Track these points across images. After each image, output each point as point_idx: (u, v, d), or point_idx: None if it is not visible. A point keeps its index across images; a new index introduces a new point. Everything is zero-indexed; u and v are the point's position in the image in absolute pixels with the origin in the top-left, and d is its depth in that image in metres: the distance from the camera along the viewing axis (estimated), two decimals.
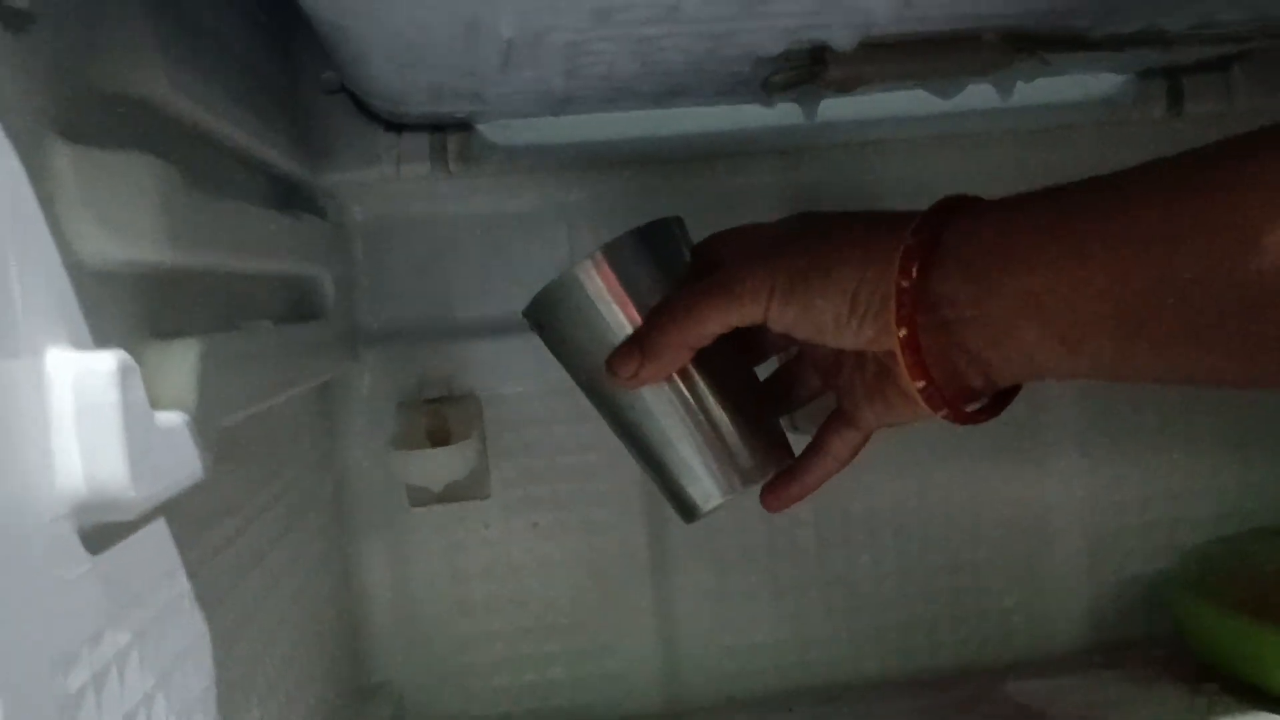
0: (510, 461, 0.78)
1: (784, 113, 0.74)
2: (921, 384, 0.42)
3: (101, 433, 0.30)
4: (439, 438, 0.74)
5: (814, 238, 0.45)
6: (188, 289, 0.43)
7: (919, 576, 0.82)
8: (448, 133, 0.71)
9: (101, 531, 0.31)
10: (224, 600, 0.45)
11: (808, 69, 0.56)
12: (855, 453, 0.50)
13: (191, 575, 0.40)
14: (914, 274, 0.40)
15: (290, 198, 0.65)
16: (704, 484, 0.49)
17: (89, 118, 0.35)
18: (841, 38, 0.52)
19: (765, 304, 0.43)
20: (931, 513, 0.82)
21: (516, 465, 0.78)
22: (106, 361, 0.30)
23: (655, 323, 0.46)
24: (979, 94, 0.71)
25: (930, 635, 0.82)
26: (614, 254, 0.47)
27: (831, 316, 0.42)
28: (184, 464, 0.36)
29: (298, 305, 0.65)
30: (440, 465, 0.68)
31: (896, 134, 0.78)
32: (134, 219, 0.35)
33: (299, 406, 0.68)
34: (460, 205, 0.76)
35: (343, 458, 0.76)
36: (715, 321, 0.45)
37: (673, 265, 0.49)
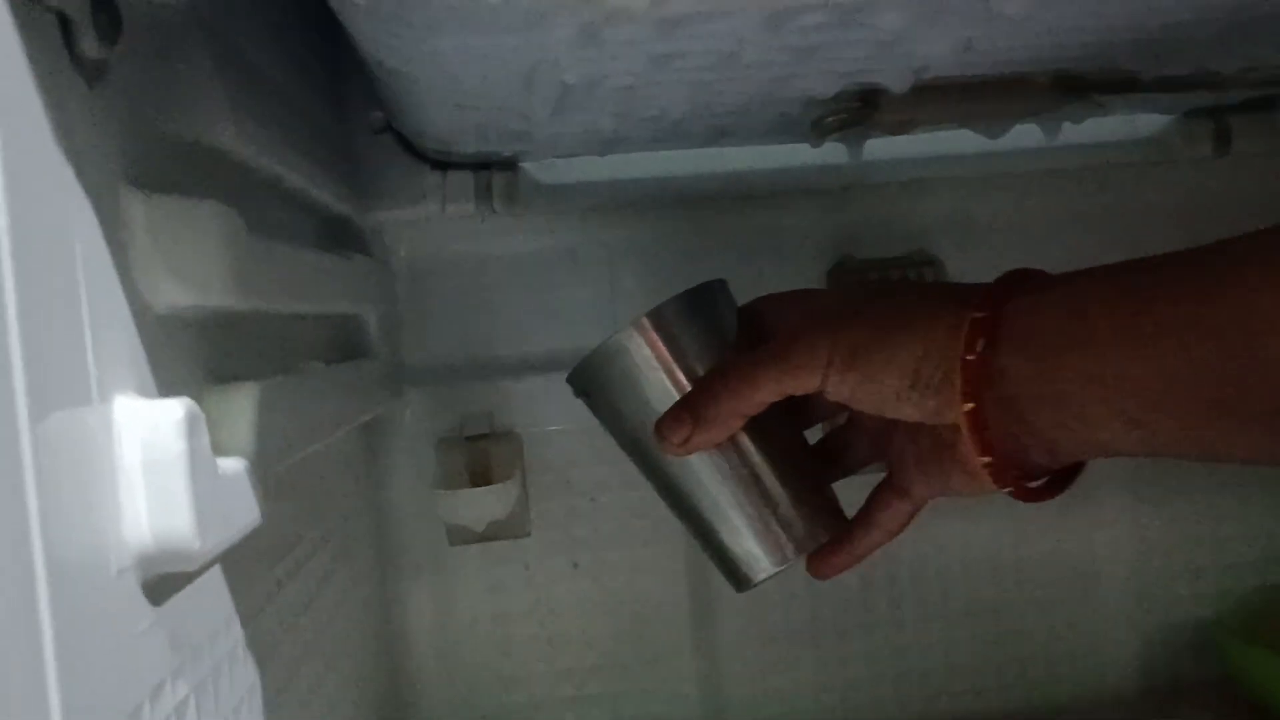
0: (551, 500, 0.78)
1: (828, 152, 0.74)
2: (987, 460, 0.41)
3: (168, 483, 0.30)
4: (480, 476, 0.74)
5: (874, 307, 0.44)
6: (245, 332, 0.43)
7: (964, 620, 0.81)
8: (493, 171, 0.71)
9: (164, 582, 0.31)
10: (277, 647, 0.45)
11: (859, 111, 0.56)
12: (906, 524, 0.50)
13: (246, 623, 0.39)
14: (979, 349, 0.40)
15: (339, 237, 0.65)
16: (756, 554, 0.48)
17: (157, 166, 0.35)
18: (895, 81, 0.52)
19: (824, 374, 0.43)
20: (977, 555, 0.80)
21: (557, 504, 0.78)
22: (174, 411, 0.30)
23: (708, 389, 0.45)
24: (1025, 134, 0.71)
25: (975, 680, 0.81)
26: (660, 319, 0.47)
27: (893, 388, 0.42)
28: (245, 511, 0.35)
29: (344, 344, 0.65)
30: (482, 505, 0.68)
31: (941, 173, 0.78)
32: (203, 266, 0.35)
33: (343, 444, 0.68)
34: (503, 243, 0.76)
35: (384, 495, 0.76)
36: (771, 390, 0.44)
37: (720, 329, 0.48)
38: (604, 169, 0.74)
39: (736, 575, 0.49)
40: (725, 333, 0.48)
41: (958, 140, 0.71)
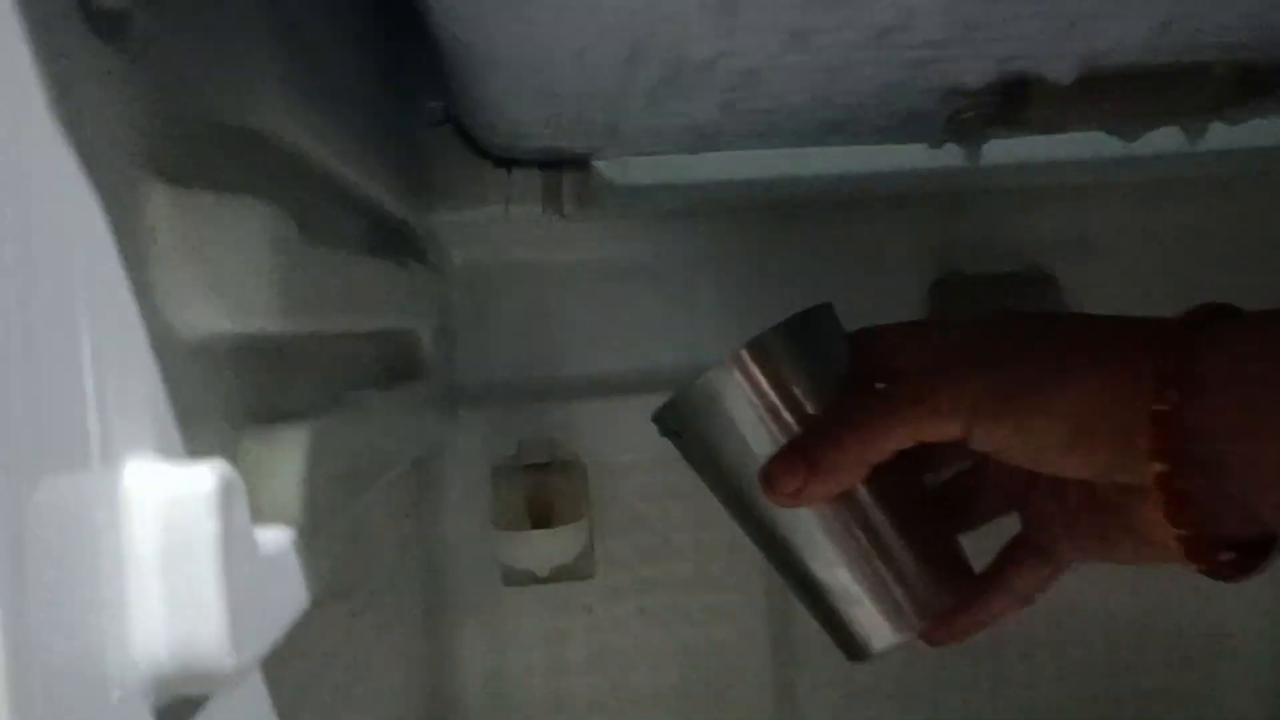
0: (617, 538, 0.70)
1: (936, 155, 0.66)
2: (1182, 533, 0.35)
3: (194, 578, 0.22)
4: (541, 510, 0.66)
5: (1028, 345, 0.39)
6: (290, 359, 0.36)
7: (1073, 684, 0.73)
8: (564, 170, 0.64)
9: (181, 707, 0.23)
10: (310, 702, 0.37)
11: (1005, 105, 0.48)
12: (1044, 589, 0.44)
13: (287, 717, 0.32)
14: (1172, 399, 0.34)
15: (392, 242, 0.57)
16: (876, 621, 0.43)
17: (190, 153, 0.27)
18: (1059, 70, 0.44)
19: (968, 421, 0.38)
20: (1091, 616, 0.72)
21: (624, 543, 0.70)
22: (204, 480, 0.22)
23: (827, 433, 0.40)
24: (1162, 137, 0.62)
25: None
26: (763, 350, 0.41)
27: (1055, 440, 0.37)
28: (291, 598, 0.28)
29: (395, 363, 0.57)
30: (547, 549, 0.60)
31: (1060, 180, 0.69)
32: (247, 281, 0.27)
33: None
34: (570, 251, 0.69)
35: (433, 529, 0.69)
36: (904, 436, 0.39)
37: (831, 362, 0.43)
38: (684, 169, 0.66)
39: (851, 644, 0.44)
40: (837, 367, 0.43)
41: (1081, 143, 0.63)
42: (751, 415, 0.41)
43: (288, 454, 0.30)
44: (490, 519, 0.65)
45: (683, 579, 0.70)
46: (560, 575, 0.67)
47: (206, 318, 0.26)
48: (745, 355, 0.41)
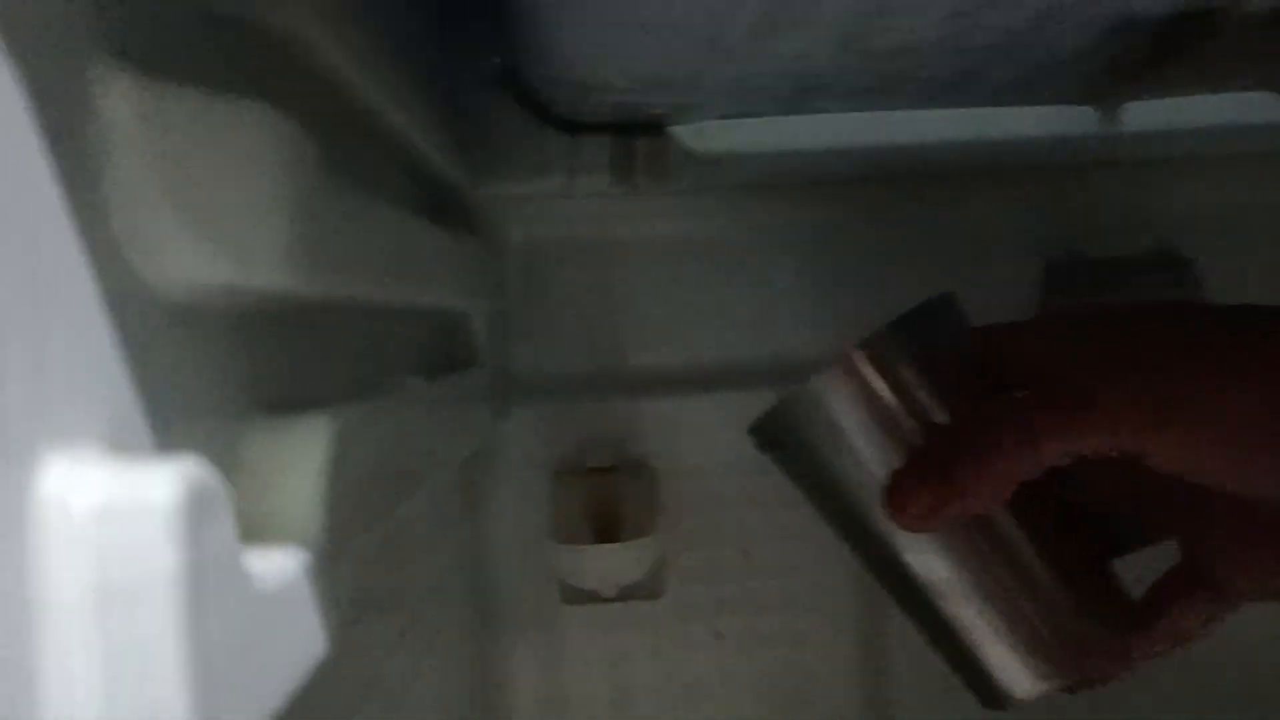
0: (690, 552, 0.62)
1: (1058, 121, 0.58)
2: None
3: (144, 631, 0.15)
4: (604, 520, 0.59)
5: (1188, 342, 0.34)
6: (310, 332, 0.29)
7: (1203, 712, 0.64)
8: (637, 136, 0.56)
9: None
10: None
11: (1175, 43, 0.40)
12: (1212, 629, 0.38)
13: None
14: None
15: (438, 208, 0.50)
16: (1020, 665, 0.36)
17: (181, 51, 0.20)
18: None
19: (1145, 433, 0.32)
20: (1233, 645, 0.63)
21: (697, 557, 0.62)
22: (162, 486, 0.15)
23: (964, 446, 0.34)
24: None
25: None
26: (880, 351, 0.35)
27: (1230, 452, 0.32)
28: (299, 649, 0.20)
29: (442, 351, 0.50)
30: (613, 566, 0.53)
31: (1203, 149, 0.61)
32: (247, 214, 0.20)
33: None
34: (641, 227, 0.61)
35: (483, 539, 0.61)
36: (1059, 450, 0.33)
37: (958, 363, 0.37)
38: (770, 137, 0.59)
39: (989, 691, 0.37)
40: (966, 369, 0.36)
41: (1229, 106, 0.55)
42: (868, 425, 0.35)
43: (302, 452, 0.23)
44: (548, 530, 0.57)
45: (763, 599, 0.63)
46: (626, 594, 0.60)
47: (191, 264, 0.19)
48: (858, 356, 0.35)
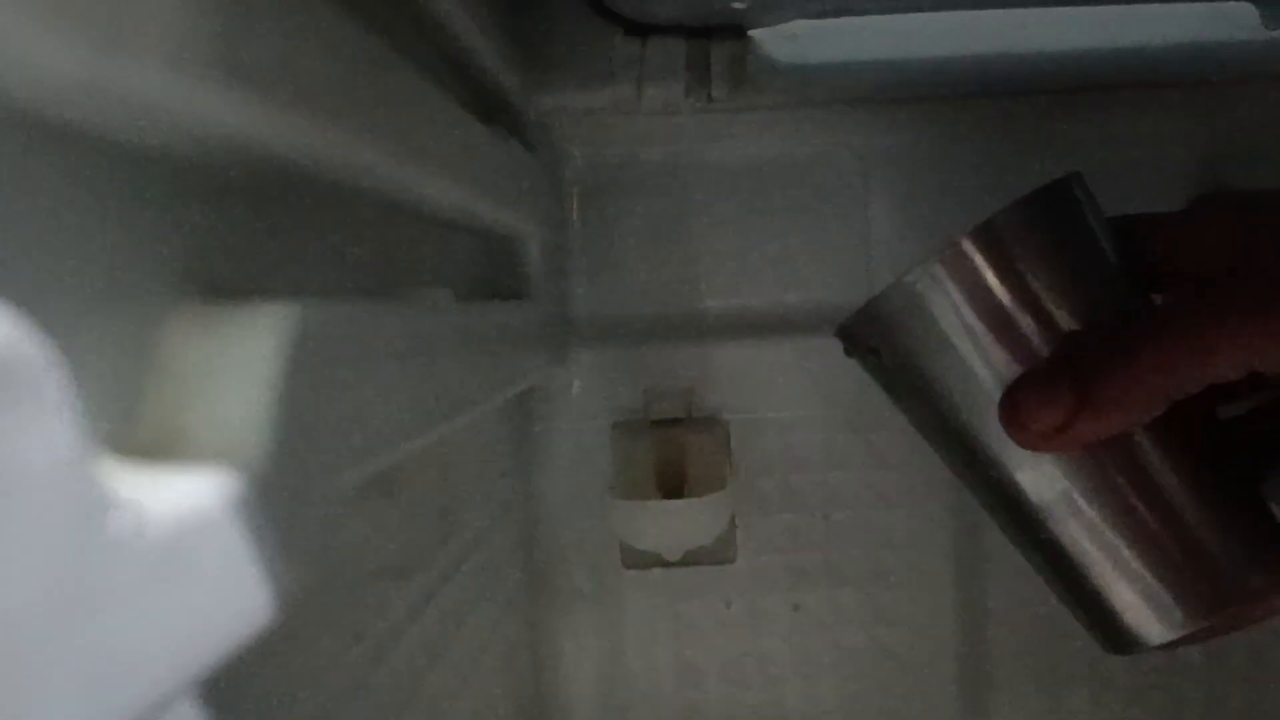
0: (765, 516, 0.56)
1: (1211, 24, 0.50)
2: None
3: None
4: (671, 478, 0.53)
5: None
6: (301, 211, 0.23)
7: None
8: (713, 40, 0.49)
9: None
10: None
11: None
12: None
13: None
14: None
15: (487, 120, 0.44)
16: (1156, 605, 0.31)
17: None
18: None
19: None
20: None
21: (774, 522, 0.56)
22: None
23: (1113, 353, 0.28)
24: None
25: None
26: (993, 238, 0.30)
27: None
28: (215, 612, 0.14)
29: (486, 277, 0.44)
30: (680, 526, 0.47)
31: None
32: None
33: (485, 423, 0.47)
34: (717, 148, 0.54)
35: (536, 496, 0.56)
36: (1229, 364, 0.27)
37: (1097, 258, 0.31)
38: (866, 42, 0.51)
39: (1117, 633, 0.32)
40: (1105, 264, 0.31)
41: None
42: (980, 326, 0.30)
43: (247, 349, 0.17)
44: (608, 485, 0.51)
45: (847, 571, 0.56)
46: (693, 558, 0.53)
47: (34, 47, 0.13)
48: (968, 244, 0.29)
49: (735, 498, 0.53)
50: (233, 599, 0.15)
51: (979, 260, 0.29)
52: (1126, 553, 0.30)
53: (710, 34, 0.50)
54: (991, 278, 0.29)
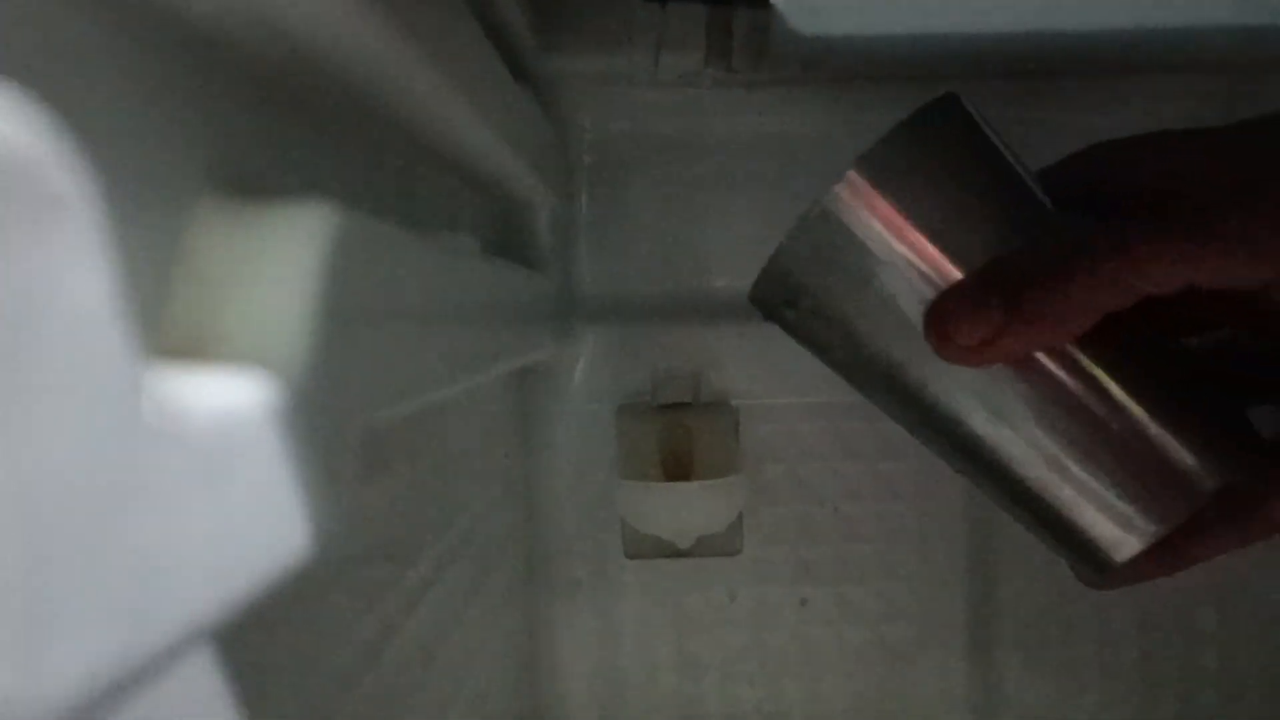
0: (773, 506, 0.54)
1: (1244, 5, 0.49)
2: None
3: None
4: (677, 460, 0.51)
5: None
6: (333, 123, 0.20)
7: None
8: (735, 7, 0.47)
9: None
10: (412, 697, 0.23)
11: None
12: None
13: None
14: None
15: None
16: (1118, 517, 0.29)
17: None
18: None
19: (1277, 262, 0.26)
20: None
21: (782, 512, 0.54)
22: None
23: (1041, 265, 0.28)
24: None
25: None
26: (882, 164, 0.28)
27: None
28: (252, 536, 0.12)
29: (502, 243, 0.42)
30: (690, 509, 0.44)
31: None
32: None
33: (486, 400, 0.45)
34: (734, 123, 0.52)
35: (537, 478, 0.53)
36: (1167, 275, 0.26)
37: (998, 170, 0.30)
38: (892, 16, 0.49)
39: (1088, 553, 0.31)
40: (1013, 177, 0.30)
41: None
42: (885, 252, 0.28)
43: (285, 247, 0.15)
44: (613, 469, 0.49)
45: (856, 564, 0.54)
46: (697, 548, 0.51)
47: None
48: (855, 175, 0.28)
49: (744, 484, 0.51)
50: (274, 520, 0.13)
51: (871, 189, 0.28)
52: (1077, 468, 0.29)
53: (733, 2, 0.48)
54: (886, 203, 0.28)
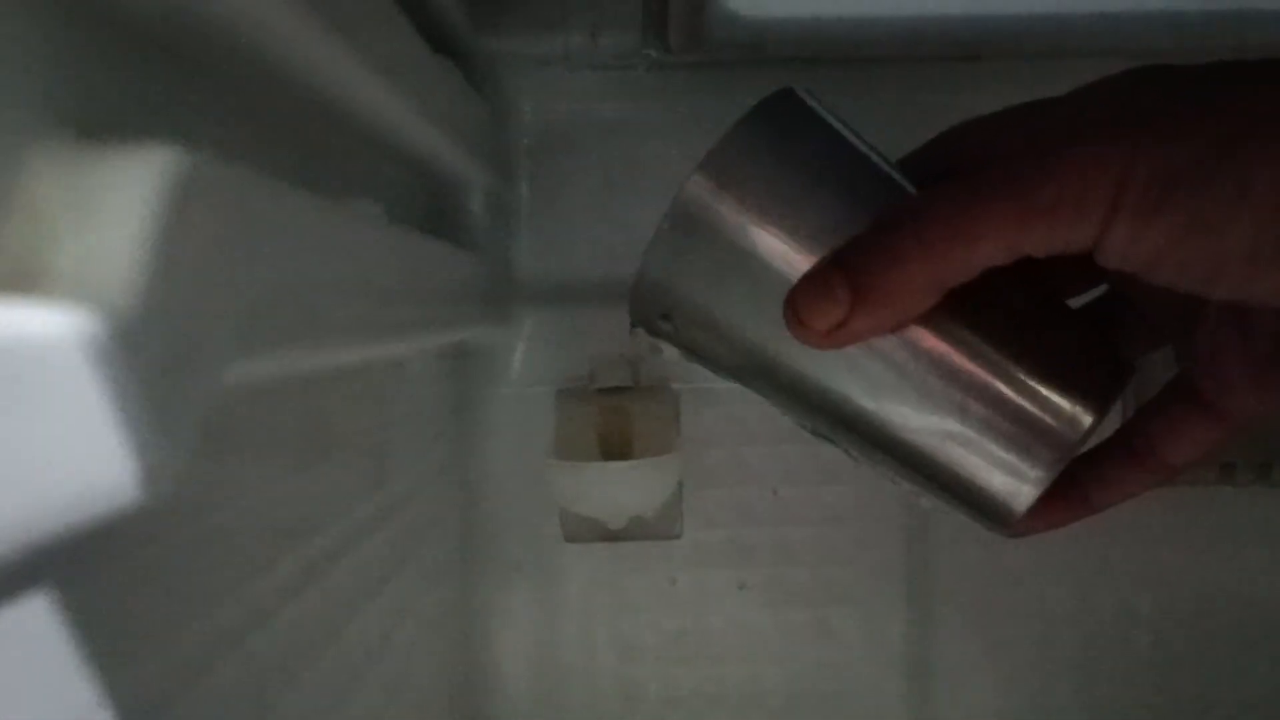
0: (712, 489, 0.54)
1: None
2: None
3: None
4: (616, 446, 0.51)
5: (1206, 104, 0.26)
6: (227, 78, 0.20)
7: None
8: None
9: None
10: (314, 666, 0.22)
11: None
12: (1206, 456, 0.32)
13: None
14: None
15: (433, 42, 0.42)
16: (1009, 468, 0.30)
17: None
18: None
19: (1102, 221, 0.25)
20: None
21: (721, 496, 0.54)
22: None
23: (878, 244, 0.28)
24: None
25: None
26: (724, 164, 0.29)
27: (1245, 247, 0.25)
28: (58, 470, 0.12)
29: (429, 222, 0.42)
30: (624, 488, 0.44)
31: None
32: None
33: (420, 384, 0.45)
34: (673, 105, 0.52)
35: (475, 462, 0.53)
36: (997, 246, 0.26)
37: (844, 157, 0.30)
38: (830, 2, 0.50)
39: (991, 508, 0.31)
40: (860, 162, 0.29)
41: None
42: (744, 250, 0.28)
43: (124, 191, 0.15)
44: (550, 452, 0.49)
45: (795, 547, 0.54)
46: (637, 532, 0.51)
47: None
48: (699, 178, 0.28)
49: (683, 469, 0.51)
50: (86, 458, 0.12)
51: (715, 190, 0.28)
52: (958, 427, 0.29)
53: None
54: (731, 203, 0.28)
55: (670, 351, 0.37)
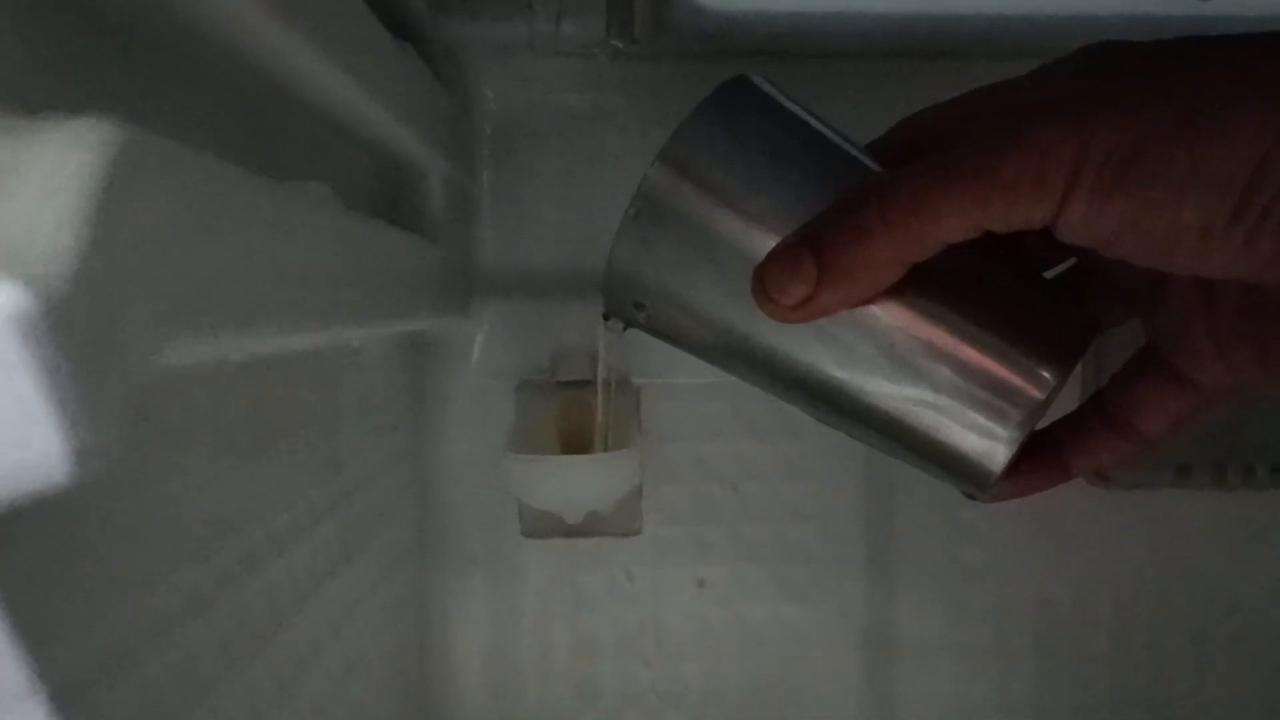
0: (672, 485, 0.53)
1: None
2: None
3: None
4: (576, 441, 0.50)
5: (1167, 81, 0.26)
6: (168, 56, 0.19)
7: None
8: None
9: None
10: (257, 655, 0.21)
11: None
12: (1177, 425, 0.33)
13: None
14: None
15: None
16: (980, 430, 0.30)
17: None
18: None
19: (1060, 198, 0.26)
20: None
21: (681, 490, 0.53)
22: None
23: (844, 221, 0.28)
24: None
25: None
26: (684, 152, 0.29)
27: (1198, 223, 0.25)
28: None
29: (386, 208, 0.41)
30: (582, 482, 0.44)
31: None
32: None
33: (377, 373, 0.44)
34: (638, 97, 0.52)
35: (431, 454, 0.52)
36: (959, 223, 0.27)
37: (806, 140, 0.30)
38: None
39: (966, 471, 0.31)
40: (823, 144, 0.30)
41: None
42: (713, 234, 0.29)
43: (52, 161, 0.14)
44: (509, 444, 0.48)
45: (756, 544, 0.54)
46: (596, 528, 0.51)
47: None
48: (660, 166, 0.29)
49: (643, 465, 0.51)
50: (6, 436, 0.12)
51: (677, 178, 0.29)
52: (929, 393, 0.30)
53: None
54: (693, 189, 0.29)
55: (635, 341, 0.37)
